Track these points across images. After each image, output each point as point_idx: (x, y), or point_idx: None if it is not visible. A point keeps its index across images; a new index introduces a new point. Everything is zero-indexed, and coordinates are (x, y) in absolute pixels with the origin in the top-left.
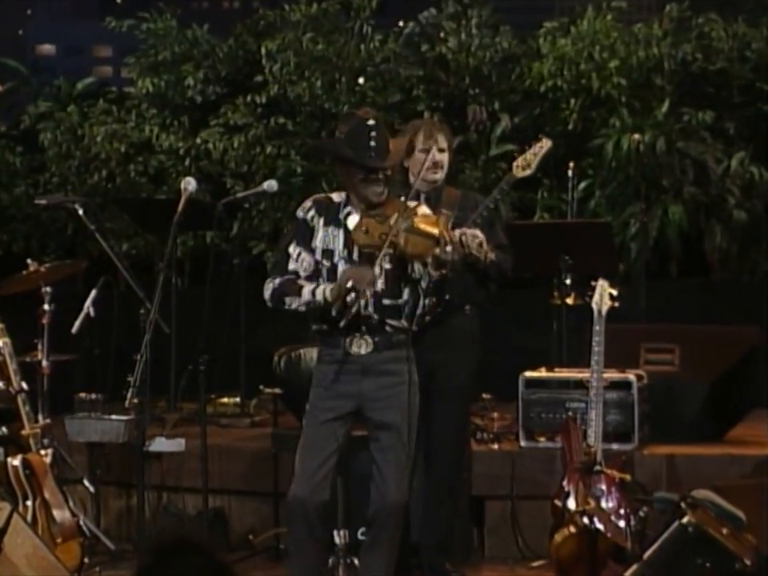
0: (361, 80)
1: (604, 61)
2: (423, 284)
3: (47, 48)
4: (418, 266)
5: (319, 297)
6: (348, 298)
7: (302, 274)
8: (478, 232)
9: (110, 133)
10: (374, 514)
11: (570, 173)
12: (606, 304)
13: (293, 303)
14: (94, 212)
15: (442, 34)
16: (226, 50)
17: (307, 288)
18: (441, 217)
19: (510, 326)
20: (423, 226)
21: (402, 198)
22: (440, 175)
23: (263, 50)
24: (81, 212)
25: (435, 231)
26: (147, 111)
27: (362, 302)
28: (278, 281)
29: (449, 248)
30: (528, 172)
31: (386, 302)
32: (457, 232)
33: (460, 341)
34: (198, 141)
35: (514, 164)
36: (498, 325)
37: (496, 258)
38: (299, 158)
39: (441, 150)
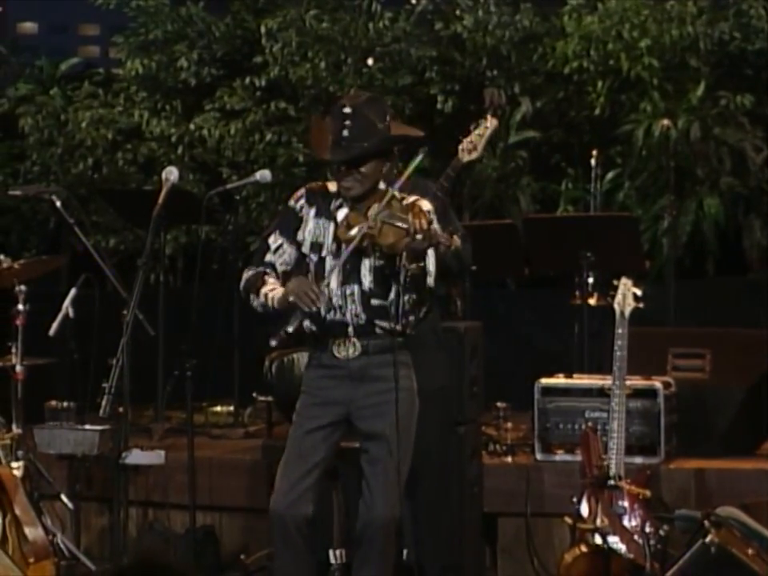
0: (369, 61)
1: (634, 40)
2: (401, 279)
3: (29, 26)
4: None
5: (270, 302)
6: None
7: (279, 267)
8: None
9: (96, 118)
10: (361, 530)
11: (593, 162)
12: (630, 305)
13: (254, 301)
14: (74, 204)
15: (457, 12)
16: (222, 28)
17: (264, 289)
18: (417, 203)
19: (526, 329)
20: (399, 215)
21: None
22: None
23: (263, 29)
24: (59, 204)
25: (408, 219)
26: (137, 95)
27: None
28: (250, 273)
29: (419, 236)
30: (475, 155)
31: (375, 302)
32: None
33: (421, 341)
34: (192, 127)
35: (460, 147)
36: (513, 326)
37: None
38: (301, 146)
39: None
